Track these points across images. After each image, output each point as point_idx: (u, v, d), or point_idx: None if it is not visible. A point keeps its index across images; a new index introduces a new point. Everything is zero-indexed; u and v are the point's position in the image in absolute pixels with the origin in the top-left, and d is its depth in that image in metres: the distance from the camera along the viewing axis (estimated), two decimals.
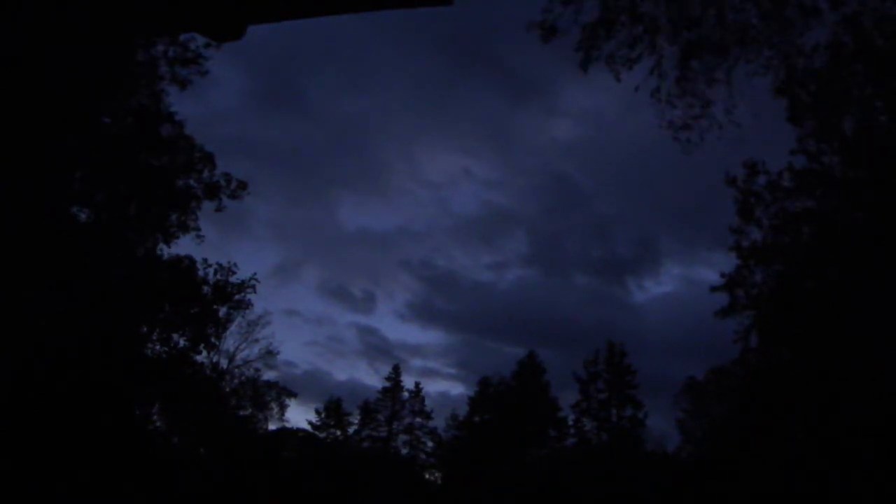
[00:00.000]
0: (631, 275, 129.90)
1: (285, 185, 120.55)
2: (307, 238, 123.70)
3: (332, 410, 59.82)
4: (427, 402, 61.53)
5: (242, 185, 29.43)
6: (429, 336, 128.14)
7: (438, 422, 60.94)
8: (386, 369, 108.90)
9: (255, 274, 34.81)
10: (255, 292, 34.51)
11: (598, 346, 55.37)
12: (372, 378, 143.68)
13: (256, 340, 43.10)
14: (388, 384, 61.14)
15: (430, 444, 60.34)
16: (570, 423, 54.63)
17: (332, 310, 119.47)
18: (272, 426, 51.48)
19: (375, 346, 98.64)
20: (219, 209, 28.93)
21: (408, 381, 63.20)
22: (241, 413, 44.28)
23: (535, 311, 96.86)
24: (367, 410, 60.28)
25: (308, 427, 58.71)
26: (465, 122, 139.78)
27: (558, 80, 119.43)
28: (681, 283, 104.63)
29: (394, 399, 60.68)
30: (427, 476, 62.50)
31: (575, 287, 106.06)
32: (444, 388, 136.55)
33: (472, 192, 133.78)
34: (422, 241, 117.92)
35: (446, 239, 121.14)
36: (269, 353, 44.00)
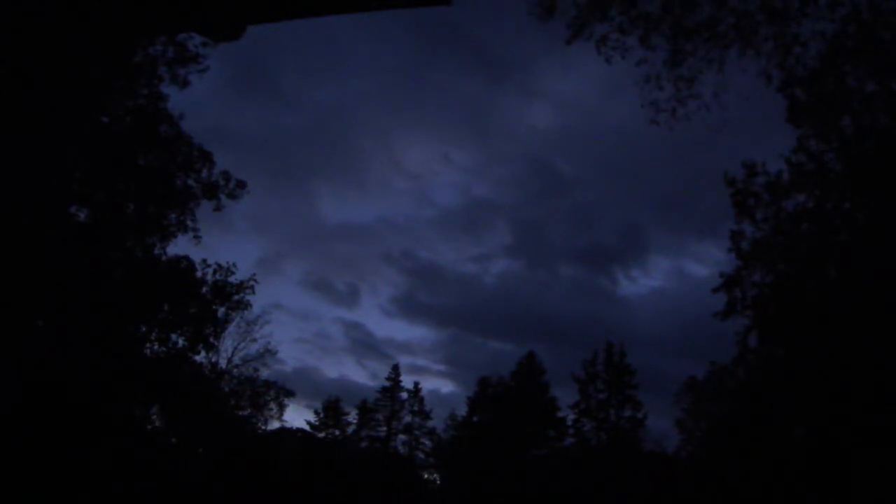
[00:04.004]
0: (617, 264, 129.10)
1: (263, 177, 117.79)
2: (287, 230, 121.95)
3: (331, 410, 59.73)
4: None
5: (241, 185, 28.96)
6: (415, 331, 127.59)
7: (434, 421, 60.87)
8: (375, 366, 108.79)
9: (254, 274, 34.86)
10: (253, 293, 34.54)
11: (595, 347, 55.55)
12: (362, 375, 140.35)
13: (255, 340, 43.01)
14: (386, 384, 61.13)
15: (428, 443, 60.34)
16: (569, 423, 54.68)
17: (316, 304, 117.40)
18: (271, 426, 51.41)
19: (362, 343, 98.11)
20: (217, 209, 28.60)
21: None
22: (241, 413, 44.17)
23: (522, 303, 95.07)
24: (366, 410, 60.23)
25: (306, 427, 58.72)
26: (443, 108, 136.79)
27: (538, 65, 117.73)
28: (670, 276, 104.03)
29: (392, 399, 60.63)
30: (426, 476, 62.51)
31: (561, 278, 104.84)
32: (435, 385, 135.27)
33: (453, 181, 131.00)
34: (403, 232, 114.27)
35: (428, 230, 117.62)
36: (268, 353, 43.93)
